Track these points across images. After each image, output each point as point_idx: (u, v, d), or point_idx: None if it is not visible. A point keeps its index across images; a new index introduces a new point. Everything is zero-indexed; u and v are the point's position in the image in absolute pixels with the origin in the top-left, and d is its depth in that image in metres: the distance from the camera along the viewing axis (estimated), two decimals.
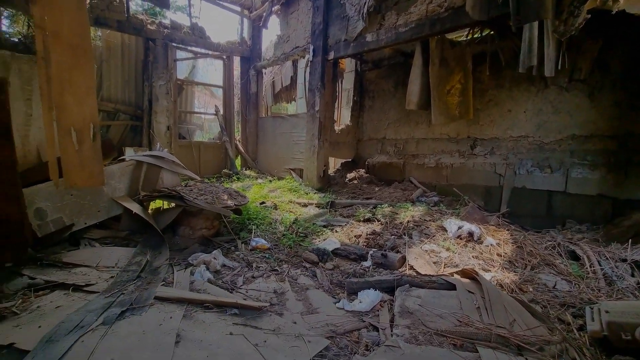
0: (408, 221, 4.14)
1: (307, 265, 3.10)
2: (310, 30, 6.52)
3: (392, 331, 2.05)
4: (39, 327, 1.79)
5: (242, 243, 3.58)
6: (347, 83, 7.91)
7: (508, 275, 2.89)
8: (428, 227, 3.99)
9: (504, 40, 4.87)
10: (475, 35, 5.22)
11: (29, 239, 2.87)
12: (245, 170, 8.45)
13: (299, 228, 3.95)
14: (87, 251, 3.22)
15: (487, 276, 2.78)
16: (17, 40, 6.18)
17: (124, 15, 6.61)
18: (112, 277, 2.67)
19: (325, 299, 2.51)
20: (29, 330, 1.77)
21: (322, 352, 1.82)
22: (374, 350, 1.87)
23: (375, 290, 2.57)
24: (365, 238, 3.75)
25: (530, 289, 2.68)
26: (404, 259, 3.16)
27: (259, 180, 7.06)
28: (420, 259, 3.14)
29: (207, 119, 11.97)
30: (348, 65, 7.79)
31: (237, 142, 8.98)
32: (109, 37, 6.88)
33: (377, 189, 6.25)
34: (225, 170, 7.98)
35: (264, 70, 8.79)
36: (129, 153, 6.31)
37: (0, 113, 2.08)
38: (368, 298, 2.48)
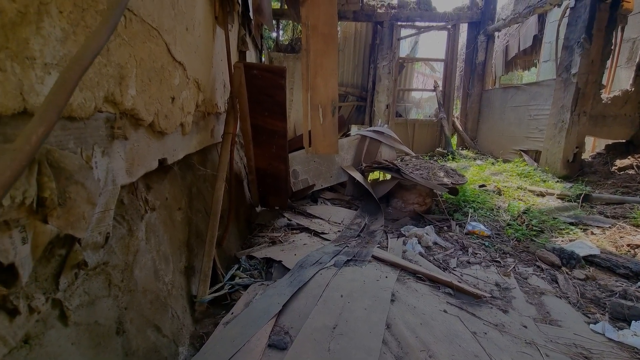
0: None
1: (543, 266, 2.46)
2: None
3: None
4: (294, 254, 2.37)
5: (456, 225, 3.32)
6: (633, 30, 5.49)
7: None
8: None
9: None
10: None
11: (289, 191, 3.84)
12: (462, 150, 7.77)
13: (531, 220, 3.21)
14: (322, 207, 3.96)
15: None
16: (286, 44, 8.30)
17: (358, 6, 7.41)
18: (339, 231, 3.16)
19: (571, 314, 1.91)
20: (289, 255, 2.37)
21: None
22: None
23: None
24: None
25: None
26: None
27: (478, 162, 6.30)
28: None
29: (423, 97, 11.85)
30: (638, 2, 5.34)
31: (455, 120, 8.36)
32: (345, 28, 7.96)
33: None
34: (438, 149, 7.67)
35: (496, 34, 7.55)
36: (354, 131, 7.23)
37: (280, 94, 2.80)
38: None
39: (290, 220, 3.34)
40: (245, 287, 1.98)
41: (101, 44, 0.69)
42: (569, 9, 4.99)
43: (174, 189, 1.72)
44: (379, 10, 7.40)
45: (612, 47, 5.46)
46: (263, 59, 7.52)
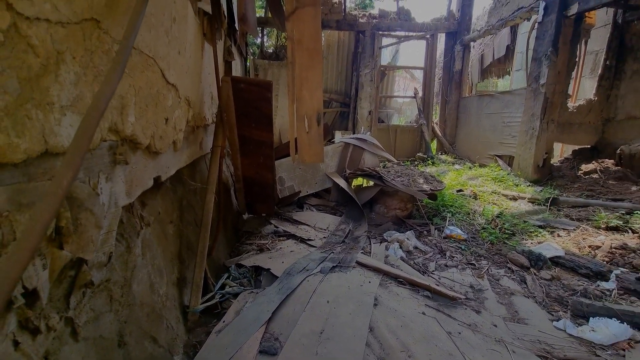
0: None
1: (514, 267, 2.66)
2: None
3: None
4: (282, 262, 2.46)
5: (435, 229, 3.50)
6: (596, 43, 5.89)
7: None
8: None
9: None
10: None
11: (276, 198, 3.93)
12: (441, 154, 8.06)
13: (504, 224, 3.43)
14: (308, 214, 4.06)
15: None
16: (270, 51, 8.38)
17: (341, 15, 7.59)
18: (324, 237, 3.27)
19: (537, 312, 2.09)
20: (277, 263, 2.46)
21: None
22: None
23: (622, 322, 1.91)
24: (609, 252, 2.79)
25: None
26: None
27: (456, 166, 6.57)
28: None
29: (404, 102, 12.16)
30: (600, 18, 5.76)
31: (434, 125, 8.66)
32: (328, 37, 8.13)
33: (634, 188, 4.46)
34: (419, 154, 7.93)
35: (472, 44, 7.90)
36: (338, 137, 7.39)
37: (267, 107, 2.90)
38: (607, 329, 1.89)
39: (277, 227, 3.42)
40: (236, 295, 2.05)
41: (113, 89, 0.78)
42: (537, 23, 5.33)
43: (166, 203, 1.79)
44: (360, 20, 7.61)
45: (577, 59, 5.86)
46: (248, 65, 7.56)
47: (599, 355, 1.72)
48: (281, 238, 3.19)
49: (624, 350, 1.77)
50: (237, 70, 4.99)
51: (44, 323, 0.76)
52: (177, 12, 1.54)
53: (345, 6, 7.62)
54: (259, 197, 3.36)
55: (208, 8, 2.30)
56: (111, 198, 1.04)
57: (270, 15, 7.19)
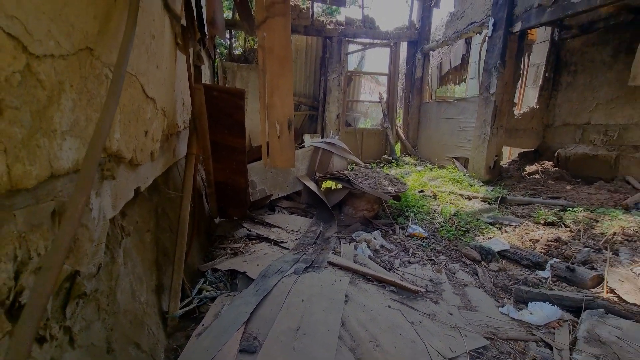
0: (615, 233, 3.22)
1: (467, 261, 2.97)
2: (491, 1, 5.74)
3: (571, 355, 1.77)
4: (257, 265, 2.55)
5: (399, 228, 3.76)
6: (537, 57, 6.56)
7: None
8: None
9: None
10: None
11: (248, 202, 3.99)
12: (405, 156, 8.50)
13: (460, 222, 3.77)
14: (280, 216, 4.16)
15: None
16: (239, 52, 8.33)
17: (309, 21, 7.74)
18: (296, 239, 3.39)
19: (486, 300, 2.38)
20: (252, 266, 2.55)
21: (480, 349, 1.79)
22: None
23: (553, 305, 2.24)
24: (545, 245, 3.19)
25: None
26: (600, 278, 2.55)
27: (418, 168, 6.99)
28: (629, 284, 2.44)
29: (370, 105, 12.59)
30: (540, 35, 6.43)
31: (398, 129, 9.09)
32: (297, 42, 8.25)
33: (569, 187, 5.06)
34: (384, 156, 8.29)
35: (431, 53, 8.41)
36: (307, 140, 7.53)
37: (239, 115, 2.97)
38: (542, 312, 2.21)
39: (250, 231, 3.49)
40: (213, 299, 2.12)
41: (111, 117, 0.86)
42: (487, 37, 5.84)
43: (143, 211, 1.82)
44: (328, 26, 7.82)
45: (521, 71, 6.50)
46: (216, 66, 7.46)
47: (534, 334, 2.01)
48: (254, 241, 3.27)
49: (554, 328, 2.08)
50: (206, 73, 4.96)
51: (48, 332, 0.82)
52: (156, 30, 1.60)
53: (313, 12, 7.78)
54: (232, 201, 3.41)
55: (183, 20, 2.34)
56: (100, 212, 1.10)
57: (238, 17, 7.16)
